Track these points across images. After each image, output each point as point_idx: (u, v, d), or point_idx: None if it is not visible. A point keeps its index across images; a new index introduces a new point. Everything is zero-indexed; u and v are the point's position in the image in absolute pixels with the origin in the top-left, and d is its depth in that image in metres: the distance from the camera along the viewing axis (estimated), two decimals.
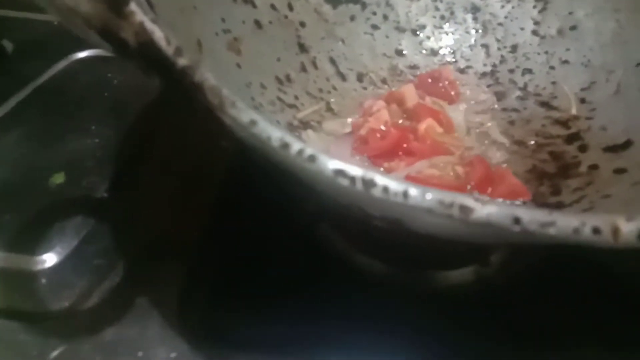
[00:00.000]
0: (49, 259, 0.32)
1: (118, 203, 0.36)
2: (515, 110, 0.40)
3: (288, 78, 0.39)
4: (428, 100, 0.38)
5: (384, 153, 0.35)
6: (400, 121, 0.38)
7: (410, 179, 0.33)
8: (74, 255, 0.32)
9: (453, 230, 0.20)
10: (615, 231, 0.17)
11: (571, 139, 0.37)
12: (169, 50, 0.20)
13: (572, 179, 0.34)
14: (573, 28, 0.41)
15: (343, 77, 0.42)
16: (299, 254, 0.34)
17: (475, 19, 0.45)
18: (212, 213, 0.35)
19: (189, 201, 0.36)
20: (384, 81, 0.43)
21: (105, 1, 0.20)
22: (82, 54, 0.49)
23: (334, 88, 0.41)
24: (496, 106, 0.40)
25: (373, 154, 0.35)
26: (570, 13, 0.41)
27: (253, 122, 0.18)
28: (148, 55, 0.21)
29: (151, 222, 0.34)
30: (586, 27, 0.41)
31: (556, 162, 0.36)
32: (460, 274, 0.35)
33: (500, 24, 0.44)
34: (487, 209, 0.17)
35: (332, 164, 0.18)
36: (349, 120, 0.38)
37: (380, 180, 0.17)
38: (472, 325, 0.31)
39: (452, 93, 0.40)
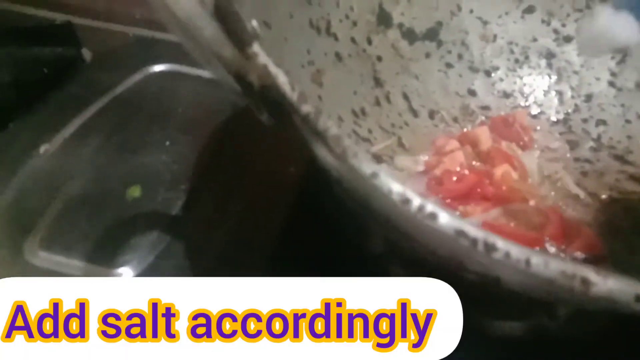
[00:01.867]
0: (126, 273, 0.33)
1: (193, 220, 0.36)
2: (588, 161, 0.40)
3: (363, 111, 0.40)
4: (503, 144, 0.38)
5: (459, 196, 0.35)
6: (474, 163, 0.38)
7: (487, 225, 0.33)
8: (150, 270, 0.33)
9: (559, 295, 0.20)
10: None
11: None
12: (293, 96, 0.20)
13: None
14: None
15: (415, 113, 0.42)
16: None
17: (549, 65, 0.44)
18: (281, 236, 0.36)
19: (261, 221, 0.36)
20: (455, 120, 0.43)
21: (237, 44, 0.20)
22: (157, 68, 0.50)
23: (406, 124, 0.41)
24: (569, 155, 0.40)
25: (448, 196, 0.35)
26: None
27: (374, 175, 0.19)
28: (268, 97, 0.22)
29: (224, 240, 0.35)
30: None
31: (631, 219, 0.35)
32: (524, 325, 0.34)
33: (575, 72, 0.44)
34: (609, 284, 0.17)
35: (454, 223, 0.18)
36: (421, 157, 0.39)
37: (502, 245, 0.17)
38: None
39: (525, 139, 0.40)
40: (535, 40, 0.45)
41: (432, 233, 0.18)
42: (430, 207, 0.18)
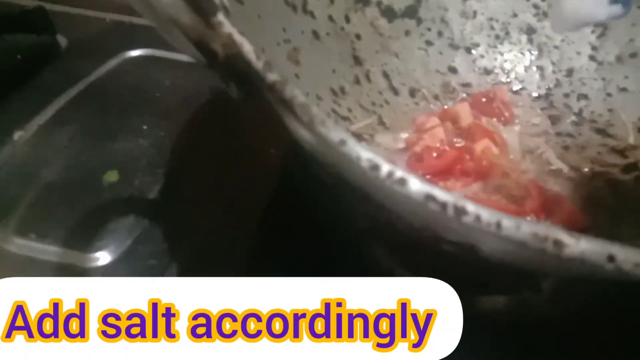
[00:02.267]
0: (103, 257, 0.33)
1: (170, 205, 0.36)
2: (570, 135, 0.40)
3: (342, 90, 0.39)
4: (483, 120, 0.38)
5: (439, 172, 0.34)
6: (455, 140, 0.37)
7: (467, 199, 0.32)
8: (127, 255, 0.33)
9: (533, 260, 0.20)
10: None
11: (628, 169, 0.36)
12: (258, 64, 0.20)
13: (630, 212, 0.33)
14: (633, 55, 0.40)
15: (395, 92, 0.42)
16: (347, 267, 0.34)
17: (530, 40, 0.44)
18: (262, 220, 0.35)
19: (240, 207, 0.36)
20: (436, 97, 0.42)
21: (199, 13, 0.20)
22: (134, 53, 0.49)
23: (386, 102, 0.41)
24: (550, 130, 0.40)
25: (428, 172, 0.35)
26: (630, 40, 0.41)
27: (343, 142, 0.18)
28: (234, 67, 0.21)
29: (203, 224, 0.35)
30: None
31: (613, 192, 0.35)
32: (508, 299, 0.34)
33: (556, 47, 0.43)
34: (581, 245, 0.17)
35: (424, 188, 0.17)
36: (402, 135, 0.38)
37: (473, 208, 0.17)
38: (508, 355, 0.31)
39: (506, 114, 0.39)
40: (515, 15, 0.44)
41: (402, 199, 0.18)
42: (399, 173, 0.18)
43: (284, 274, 0.33)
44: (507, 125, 0.39)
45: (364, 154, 0.18)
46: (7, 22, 0.47)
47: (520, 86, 0.43)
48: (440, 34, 0.44)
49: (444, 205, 0.17)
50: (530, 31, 0.44)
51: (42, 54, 0.48)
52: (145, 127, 0.42)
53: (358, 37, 0.42)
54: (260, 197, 0.37)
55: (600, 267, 0.17)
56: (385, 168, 0.18)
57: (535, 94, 0.43)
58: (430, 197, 0.17)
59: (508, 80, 0.43)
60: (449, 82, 0.43)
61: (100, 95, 0.45)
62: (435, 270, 0.33)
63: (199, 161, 0.39)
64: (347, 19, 0.41)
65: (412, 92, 0.42)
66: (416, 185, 0.17)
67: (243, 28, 0.30)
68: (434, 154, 0.35)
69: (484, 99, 0.40)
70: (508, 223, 0.17)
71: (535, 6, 0.44)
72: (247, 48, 0.20)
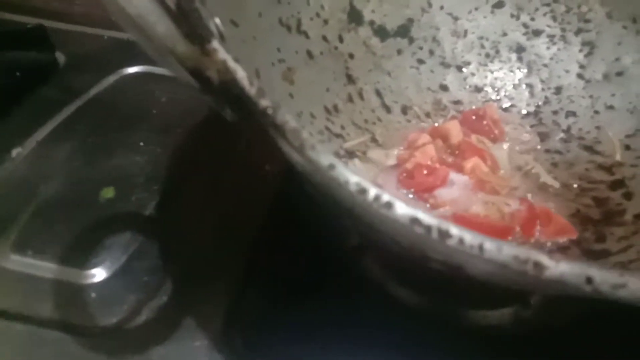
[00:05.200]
0: (99, 274, 0.33)
1: (166, 221, 0.36)
2: (558, 152, 0.40)
3: (336, 108, 0.40)
4: (473, 137, 0.39)
5: (429, 188, 0.35)
6: (445, 156, 0.38)
7: (458, 217, 0.33)
8: (122, 271, 0.33)
9: (516, 281, 0.20)
10: None
11: (615, 185, 0.37)
12: (251, 90, 0.21)
13: (617, 227, 0.34)
14: (619, 74, 0.41)
15: (388, 109, 0.42)
16: (341, 282, 0.34)
17: (520, 58, 0.45)
18: (258, 235, 0.36)
19: (236, 222, 0.36)
20: (427, 115, 0.43)
21: (194, 41, 0.21)
22: (131, 70, 0.50)
23: (379, 119, 0.42)
24: (539, 147, 0.41)
25: (419, 189, 0.35)
26: (617, 59, 0.42)
27: (331, 166, 0.19)
28: (228, 92, 0.22)
29: (198, 241, 0.35)
30: (633, 73, 0.41)
31: (600, 208, 0.36)
32: (499, 314, 0.35)
33: (545, 65, 0.44)
34: (560, 268, 0.17)
35: (409, 212, 0.18)
36: (394, 151, 0.39)
37: (456, 231, 0.18)
38: None
39: (496, 132, 0.40)
40: (505, 34, 0.46)
41: (389, 222, 0.19)
42: (386, 197, 0.18)
43: (279, 290, 0.33)
44: (497, 143, 0.40)
45: (352, 178, 0.19)
46: (6, 39, 0.48)
47: (510, 103, 0.44)
48: (431, 52, 0.45)
49: (428, 229, 0.18)
50: (519, 50, 0.45)
51: (41, 71, 0.49)
52: (142, 143, 0.42)
53: (351, 56, 0.42)
54: (256, 213, 0.37)
55: (579, 288, 0.17)
56: (372, 192, 0.18)
57: (524, 111, 0.43)
58: (415, 221, 0.18)
59: (498, 97, 0.44)
60: (440, 100, 0.44)
61: (98, 111, 0.46)
62: (427, 286, 0.34)
63: (195, 177, 0.40)
64: (341, 39, 0.42)
65: (404, 110, 0.43)
66: (402, 209, 0.18)
67: (239, 50, 0.32)
68: (425, 171, 0.35)
69: (474, 117, 0.41)
70: (490, 246, 0.18)
71: (525, 25, 0.45)
72: (241, 74, 0.21)
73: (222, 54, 0.22)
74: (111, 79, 0.50)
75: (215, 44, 0.22)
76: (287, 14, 0.38)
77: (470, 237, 0.18)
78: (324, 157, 0.19)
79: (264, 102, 0.20)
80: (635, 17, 0.41)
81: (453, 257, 0.20)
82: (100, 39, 0.54)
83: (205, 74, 0.21)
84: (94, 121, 0.45)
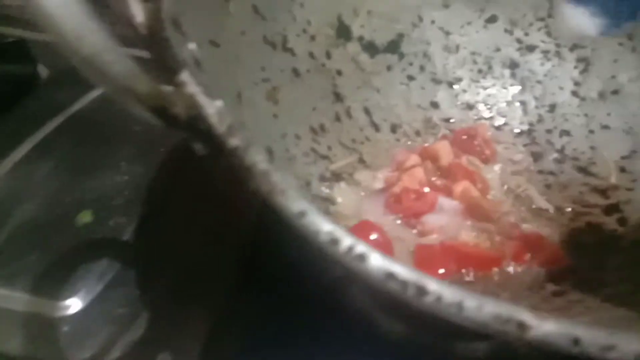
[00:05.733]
0: (73, 305, 0.32)
1: (145, 247, 0.35)
2: (551, 173, 0.39)
3: (322, 128, 0.39)
4: (464, 159, 0.37)
5: (418, 214, 0.34)
6: (434, 179, 0.37)
7: (446, 246, 0.32)
8: (97, 301, 0.32)
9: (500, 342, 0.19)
10: None
11: (610, 210, 0.35)
12: (220, 128, 0.19)
13: (613, 255, 0.32)
14: (615, 92, 0.40)
15: (376, 128, 0.41)
16: (323, 310, 0.33)
17: (513, 75, 0.44)
18: (238, 264, 0.35)
19: (216, 250, 0.35)
20: (417, 133, 0.42)
21: (159, 76, 0.19)
22: None
23: (367, 139, 0.41)
24: (532, 167, 0.40)
25: (406, 214, 0.34)
26: (613, 77, 0.41)
27: (302, 214, 0.18)
28: (197, 128, 0.21)
29: (176, 269, 0.34)
30: (629, 92, 0.40)
31: (594, 234, 0.34)
32: (488, 344, 0.34)
33: (539, 82, 0.43)
34: (545, 328, 0.16)
35: (384, 266, 0.17)
36: (381, 174, 0.38)
37: (434, 287, 0.16)
38: None
39: (487, 152, 0.39)
40: (498, 50, 0.44)
41: (362, 275, 0.17)
42: (360, 248, 0.17)
43: (258, 319, 0.32)
44: (489, 164, 0.39)
45: (324, 227, 0.17)
46: None
47: (502, 121, 0.43)
48: (422, 68, 0.44)
49: (404, 284, 0.17)
50: (513, 65, 0.44)
51: (22, 85, 0.48)
52: (123, 162, 0.41)
53: (339, 73, 0.41)
54: (236, 238, 0.36)
55: (566, 349, 0.16)
56: (345, 243, 0.17)
57: (517, 130, 0.42)
58: (390, 276, 0.17)
59: (491, 115, 0.43)
60: (430, 118, 0.43)
61: (79, 128, 0.44)
62: (409, 319, 0.33)
63: (176, 199, 0.39)
64: (328, 55, 0.41)
65: (394, 128, 0.42)
66: (376, 262, 0.17)
67: (219, 72, 0.30)
68: (413, 196, 0.34)
69: (465, 137, 0.39)
70: (470, 304, 0.16)
71: (519, 40, 0.44)
72: (210, 111, 0.20)
73: (191, 87, 0.20)
74: (94, 94, 0.48)
75: (185, 76, 0.21)
76: (272, 31, 0.37)
77: (449, 294, 0.16)
78: (294, 203, 0.18)
79: (233, 142, 0.19)
80: (631, 34, 0.40)
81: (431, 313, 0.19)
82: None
83: (172, 112, 0.20)
84: (76, 138, 0.43)
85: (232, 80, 0.31)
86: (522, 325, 0.16)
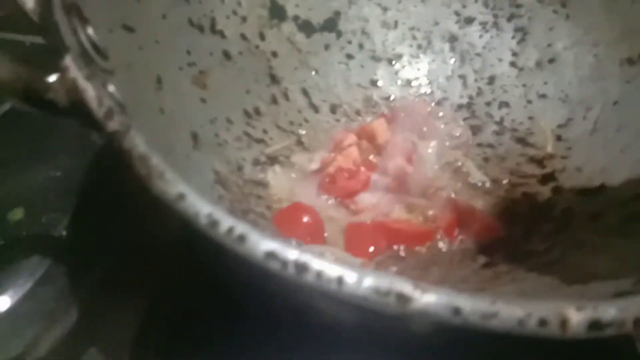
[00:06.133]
0: (2, 303, 0.31)
1: (76, 242, 0.34)
2: (490, 146, 0.39)
3: (257, 111, 0.38)
4: (400, 136, 0.37)
5: (351, 193, 0.34)
6: (372, 157, 0.36)
7: (378, 223, 0.32)
8: (27, 298, 0.31)
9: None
10: (564, 323, 0.16)
11: (545, 179, 0.35)
12: (99, 112, 0.19)
13: (544, 223, 0.32)
14: (552, 61, 0.40)
15: (315, 109, 0.41)
16: (263, 309, 0.32)
17: (452, 48, 0.43)
18: (170, 259, 0.34)
19: (149, 244, 0.34)
20: (357, 113, 0.41)
21: (32, 62, 0.19)
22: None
23: (306, 120, 0.40)
24: (471, 141, 0.39)
25: (341, 194, 0.34)
26: (549, 45, 0.40)
27: (181, 197, 0.17)
28: (81, 113, 0.20)
29: (107, 261, 0.33)
30: (565, 60, 0.40)
31: (529, 204, 0.34)
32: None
33: (478, 54, 0.43)
34: (425, 299, 0.16)
35: (264, 245, 0.16)
36: (318, 155, 0.37)
37: (313, 264, 0.16)
38: None
39: (425, 129, 0.39)
40: (437, 24, 0.44)
41: (245, 257, 0.17)
42: (239, 229, 0.17)
43: (191, 314, 0.32)
44: (426, 140, 0.38)
45: (203, 209, 0.17)
46: None
47: (442, 96, 0.42)
48: (361, 46, 0.43)
49: (284, 263, 0.16)
50: (452, 39, 0.44)
51: None
52: (60, 155, 0.40)
53: (274, 54, 0.40)
54: (170, 232, 0.35)
55: (447, 320, 0.16)
56: (225, 224, 0.17)
57: (457, 104, 0.42)
58: (271, 255, 0.16)
59: (430, 90, 0.43)
60: (371, 96, 0.42)
61: (14, 122, 0.43)
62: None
63: (108, 192, 0.38)
64: (262, 36, 0.40)
65: (333, 109, 0.41)
66: (256, 242, 0.16)
67: (132, 57, 0.29)
68: (346, 175, 0.34)
69: (402, 114, 0.39)
70: (350, 278, 0.16)
71: (457, 13, 0.44)
72: (90, 94, 0.19)
73: (73, 71, 0.20)
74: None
75: (68, 60, 0.20)
76: (199, 13, 0.36)
77: (329, 270, 0.16)
78: (172, 186, 0.17)
79: (111, 125, 0.18)
80: (564, 1, 0.40)
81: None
82: (21, 45, 0.51)
83: (47, 97, 0.19)
84: (8, 134, 0.42)
85: (149, 65, 0.30)
86: (402, 297, 0.16)
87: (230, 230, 0.17)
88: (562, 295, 0.24)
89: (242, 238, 0.17)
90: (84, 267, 0.33)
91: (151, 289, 0.32)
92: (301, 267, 0.16)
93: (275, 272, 0.16)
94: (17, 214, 0.36)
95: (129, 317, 0.30)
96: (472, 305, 0.16)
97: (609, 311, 0.16)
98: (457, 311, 0.16)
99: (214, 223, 0.17)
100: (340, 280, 0.16)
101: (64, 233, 0.35)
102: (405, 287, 0.16)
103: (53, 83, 0.19)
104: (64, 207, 0.36)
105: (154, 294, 0.31)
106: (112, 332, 0.30)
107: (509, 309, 0.16)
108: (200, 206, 0.17)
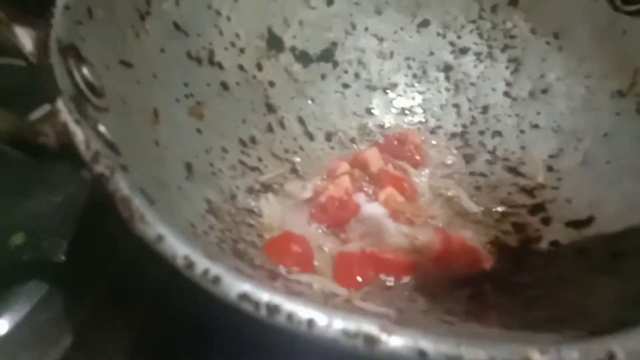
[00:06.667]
0: (0, 327, 0.32)
1: (75, 267, 0.35)
2: (482, 174, 0.40)
3: (253, 140, 0.39)
4: (392, 165, 0.38)
5: (342, 223, 0.34)
6: (364, 186, 0.37)
7: (367, 254, 0.32)
8: (23, 324, 0.32)
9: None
10: None
11: (535, 209, 0.36)
12: (87, 155, 0.20)
13: (533, 256, 0.33)
14: (544, 91, 0.41)
15: (311, 137, 0.42)
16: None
17: (447, 78, 0.44)
18: (163, 288, 0.34)
19: (144, 269, 0.35)
20: (352, 140, 0.42)
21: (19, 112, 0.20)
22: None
23: (301, 148, 0.41)
24: (464, 170, 0.40)
25: (332, 223, 0.34)
26: (542, 76, 0.41)
27: (160, 238, 0.18)
28: (71, 155, 0.21)
29: (104, 287, 0.34)
30: (557, 91, 0.40)
31: (518, 235, 0.35)
32: None
33: (472, 84, 0.44)
34: (393, 342, 0.16)
35: (237, 287, 0.17)
36: (311, 183, 0.38)
37: (285, 307, 0.17)
38: None
39: (418, 157, 0.39)
40: (432, 54, 0.45)
41: (220, 298, 0.18)
42: (214, 271, 0.17)
43: (183, 339, 0.32)
44: (419, 168, 0.39)
45: (180, 251, 0.18)
46: None
47: (436, 124, 0.43)
48: (357, 75, 0.44)
49: (257, 305, 0.17)
50: (447, 69, 0.44)
51: None
52: (58, 183, 0.41)
53: (271, 84, 0.41)
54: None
55: None
56: (200, 266, 0.17)
57: (451, 132, 0.43)
58: (243, 297, 0.17)
59: (425, 119, 0.43)
60: (366, 124, 0.43)
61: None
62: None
63: (108, 218, 0.39)
64: (260, 67, 0.41)
65: (329, 136, 0.42)
66: (230, 284, 0.17)
67: (129, 92, 0.30)
68: (337, 204, 0.34)
69: (395, 142, 0.40)
70: (320, 321, 0.17)
71: (452, 43, 0.44)
72: (79, 138, 0.20)
73: (64, 115, 0.21)
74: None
75: (59, 104, 0.21)
76: (197, 46, 0.37)
77: (300, 312, 0.17)
78: (152, 229, 0.18)
79: (98, 168, 0.19)
80: (557, 32, 0.40)
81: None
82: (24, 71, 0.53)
83: (37, 142, 0.20)
84: (10, 160, 0.43)
85: (146, 99, 0.31)
86: (369, 339, 0.16)
87: (205, 272, 0.17)
88: (544, 333, 0.25)
89: (216, 280, 0.17)
90: (81, 293, 0.34)
91: (145, 316, 0.32)
92: (273, 309, 0.17)
93: (249, 313, 0.17)
94: (18, 238, 0.37)
95: (123, 343, 0.31)
96: (436, 349, 0.16)
97: (571, 355, 0.16)
98: (422, 354, 0.16)
99: (190, 265, 0.18)
100: (310, 323, 0.17)
101: (64, 258, 0.36)
102: (372, 329, 0.17)
103: (44, 127, 0.20)
104: (66, 234, 0.37)
105: (147, 321, 0.32)
106: (106, 357, 0.30)
107: (473, 352, 0.16)
108: (178, 248, 0.18)
